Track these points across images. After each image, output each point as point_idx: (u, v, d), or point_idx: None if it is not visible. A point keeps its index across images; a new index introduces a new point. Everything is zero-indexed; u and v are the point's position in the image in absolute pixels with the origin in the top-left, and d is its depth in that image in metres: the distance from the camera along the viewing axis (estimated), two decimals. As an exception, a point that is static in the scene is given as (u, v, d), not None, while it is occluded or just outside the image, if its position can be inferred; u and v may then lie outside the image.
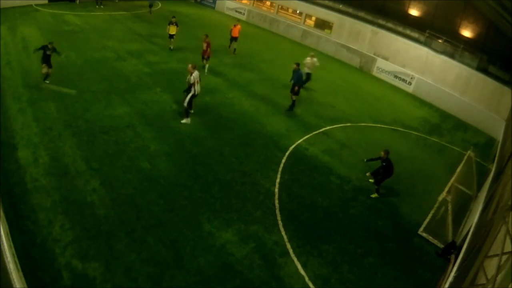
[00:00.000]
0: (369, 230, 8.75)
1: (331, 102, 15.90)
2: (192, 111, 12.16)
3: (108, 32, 19.88)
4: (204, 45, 15.79)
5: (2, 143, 9.12)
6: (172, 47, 18.38)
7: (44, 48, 12.36)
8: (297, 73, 13.74)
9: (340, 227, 8.62)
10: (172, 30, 18.01)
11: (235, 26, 19.47)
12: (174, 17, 18.31)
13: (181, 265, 6.80)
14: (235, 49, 19.70)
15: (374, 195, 10.02)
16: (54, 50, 12.61)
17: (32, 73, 13.41)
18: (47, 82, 12.60)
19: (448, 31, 19.72)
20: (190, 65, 11.38)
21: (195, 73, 11.33)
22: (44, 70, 12.57)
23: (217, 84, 15.12)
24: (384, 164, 9.76)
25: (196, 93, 11.60)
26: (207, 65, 16.07)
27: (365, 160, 10.66)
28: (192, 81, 11.33)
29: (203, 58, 16.09)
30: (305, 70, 16.19)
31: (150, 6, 25.16)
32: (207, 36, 15.90)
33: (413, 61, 20.30)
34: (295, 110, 14.20)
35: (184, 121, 11.72)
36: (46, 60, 12.54)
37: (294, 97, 14.00)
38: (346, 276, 7.33)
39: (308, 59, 16.46)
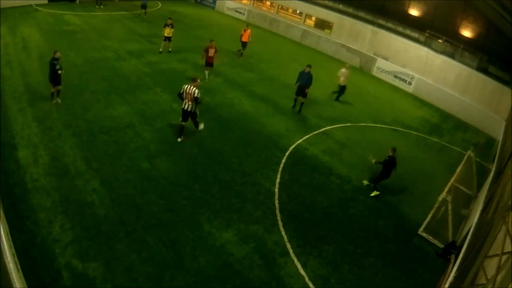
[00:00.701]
0: (369, 230, 8.75)
1: (331, 102, 15.89)
2: (182, 121, 10.71)
3: (108, 32, 19.87)
4: (212, 51, 14.74)
5: (2, 143, 9.11)
6: (170, 49, 17.91)
7: (51, 62, 10.82)
8: (308, 75, 13.48)
9: (340, 227, 8.62)
10: (168, 32, 17.44)
11: (245, 31, 19.09)
12: (170, 18, 17.70)
13: (181, 265, 6.80)
14: (242, 53, 19.45)
15: (374, 193, 10.02)
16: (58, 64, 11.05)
17: (32, 73, 13.41)
18: (54, 101, 11.38)
19: (448, 31, 19.73)
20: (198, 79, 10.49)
21: (186, 86, 10.18)
22: (53, 89, 11.23)
23: (217, 84, 15.12)
24: (386, 159, 9.68)
25: (183, 107, 10.36)
26: (207, 72, 15.18)
27: (373, 161, 10.23)
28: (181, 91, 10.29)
29: (208, 65, 15.02)
30: (340, 82, 15.66)
31: (143, 7, 23.87)
32: (212, 41, 14.89)
33: (413, 61, 20.31)
34: (295, 110, 14.20)
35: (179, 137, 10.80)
36: (54, 76, 10.97)
37: (303, 100, 13.88)
38: (346, 276, 7.33)
39: (344, 70, 15.63)
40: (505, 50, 17.62)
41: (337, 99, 16.05)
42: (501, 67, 17.55)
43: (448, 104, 18.21)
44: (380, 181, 10.02)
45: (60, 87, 11.40)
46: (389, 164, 9.75)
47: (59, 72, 11.02)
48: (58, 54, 11.03)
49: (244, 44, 19.31)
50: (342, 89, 15.87)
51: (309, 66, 13.60)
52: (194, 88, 10.14)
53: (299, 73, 13.70)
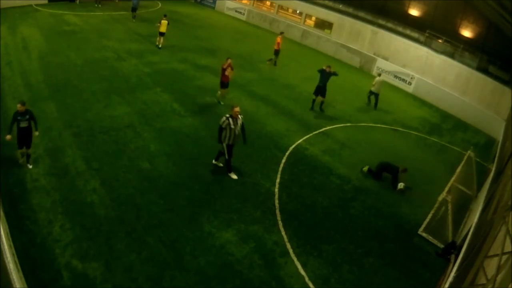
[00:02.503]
0: (369, 230, 8.75)
1: (331, 102, 15.87)
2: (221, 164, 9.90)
3: (108, 32, 19.89)
4: (229, 70, 13.00)
5: (2, 143, 9.10)
6: (157, 44, 18.49)
7: (15, 116, 8.01)
8: (328, 74, 13.89)
9: (340, 227, 8.62)
10: (163, 28, 18.19)
11: (280, 39, 18.72)
12: (165, 15, 18.63)
13: (181, 265, 6.80)
14: (275, 62, 19.17)
15: (365, 168, 10.94)
16: (31, 117, 8.18)
17: (32, 73, 13.41)
18: (22, 160, 8.56)
19: (448, 31, 19.73)
20: (238, 108, 9.20)
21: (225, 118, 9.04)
22: (21, 151, 8.40)
23: (217, 84, 15.05)
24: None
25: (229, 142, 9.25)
26: (221, 94, 13.52)
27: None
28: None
29: (223, 86, 13.34)
30: (373, 89, 15.88)
31: (133, 10, 22.98)
32: (229, 59, 13.11)
33: (413, 61, 20.32)
34: (295, 110, 14.22)
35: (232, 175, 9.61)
36: (21, 134, 8.13)
37: (322, 98, 14.30)
38: (346, 276, 7.32)
39: (379, 79, 15.87)
40: (505, 50, 17.62)
41: (375, 107, 16.18)
42: (501, 67, 17.54)
43: (448, 104, 18.20)
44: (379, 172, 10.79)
45: (30, 151, 8.47)
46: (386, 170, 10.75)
47: (36, 134, 8.36)
48: (20, 107, 7.95)
49: (277, 52, 18.86)
50: (374, 95, 16.06)
51: (329, 66, 14.06)
52: (225, 116, 9.03)
53: (320, 73, 13.97)
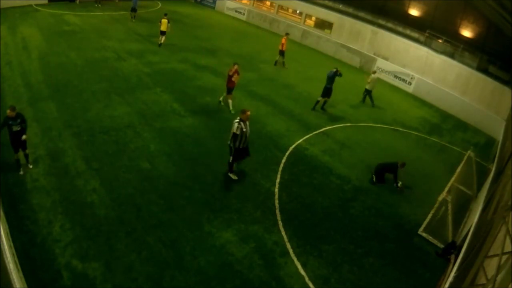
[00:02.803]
0: (369, 230, 8.75)
1: (331, 102, 15.86)
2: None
3: (108, 32, 19.89)
4: (235, 75, 12.66)
5: (2, 143, 9.11)
6: (160, 43, 18.71)
7: (5, 121, 7.87)
8: (335, 74, 14.09)
9: (340, 227, 8.62)
10: (164, 27, 18.48)
11: (285, 39, 18.84)
12: (166, 14, 18.94)
13: (181, 265, 6.80)
14: (283, 62, 19.27)
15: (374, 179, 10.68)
16: (22, 120, 8.04)
17: (32, 73, 13.42)
18: (22, 172, 8.38)
19: (448, 31, 19.73)
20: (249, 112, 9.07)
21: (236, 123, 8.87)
22: (15, 156, 8.34)
23: (217, 84, 15.11)
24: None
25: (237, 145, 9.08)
26: (230, 101, 13.15)
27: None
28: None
29: (230, 91, 13.01)
30: (368, 87, 16.21)
31: (133, 10, 22.75)
32: (236, 64, 12.78)
33: (413, 61, 20.32)
34: (295, 110, 14.23)
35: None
36: (14, 139, 8.05)
37: (327, 98, 14.53)
38: (346, 276, 7.32)
39: (374, 76, 16.25)
40: (505, 50, 17.62)
41: (372, 104, 16.41)
42: (501, 67, 17.54)
43: (448, 104, 18.20)
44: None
45: (27, 151, 8.50)
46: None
47: (23, 137, 8.08)
48: (10, 113, 7.79)
49: (282, 53, 18.98)
50: (368, 93, 16.36)
51: (336, 68, 14.22)
52: (236, 121, 8.87)
53: (328, 75, 14.10)
